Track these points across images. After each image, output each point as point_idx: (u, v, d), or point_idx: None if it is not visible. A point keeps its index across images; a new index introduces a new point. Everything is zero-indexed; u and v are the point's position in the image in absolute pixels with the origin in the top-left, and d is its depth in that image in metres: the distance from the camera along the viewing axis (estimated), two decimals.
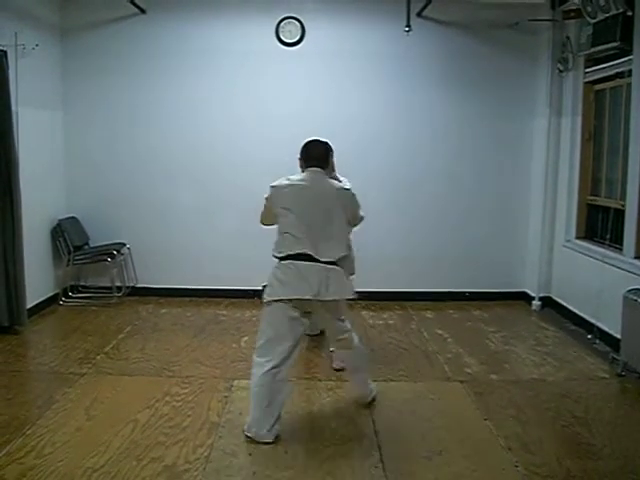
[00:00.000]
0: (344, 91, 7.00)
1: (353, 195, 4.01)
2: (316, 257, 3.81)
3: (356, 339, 4.21)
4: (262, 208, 4.10)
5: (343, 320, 4.10)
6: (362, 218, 4.24)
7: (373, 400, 4.39)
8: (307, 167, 4.00)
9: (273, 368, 3.78)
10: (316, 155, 4.02)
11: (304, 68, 6.97)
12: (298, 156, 4.07)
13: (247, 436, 3.83)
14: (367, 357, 4.54)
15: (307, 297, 3.78)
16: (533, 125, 7.04)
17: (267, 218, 4.12)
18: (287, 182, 3.91)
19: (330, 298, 3.82)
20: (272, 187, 3.96)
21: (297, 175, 3.99)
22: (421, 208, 7.11)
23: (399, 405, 4.41)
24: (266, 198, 4.01)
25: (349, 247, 4.80)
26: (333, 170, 4.48)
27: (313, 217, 3.85)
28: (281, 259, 3.92)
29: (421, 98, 7.02)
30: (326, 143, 4.10)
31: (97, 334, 5.86)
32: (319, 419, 4.16)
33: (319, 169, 3.98)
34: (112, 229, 7.10)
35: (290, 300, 3.82)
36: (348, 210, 3.97)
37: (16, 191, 5.68)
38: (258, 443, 3.77)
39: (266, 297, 3.92)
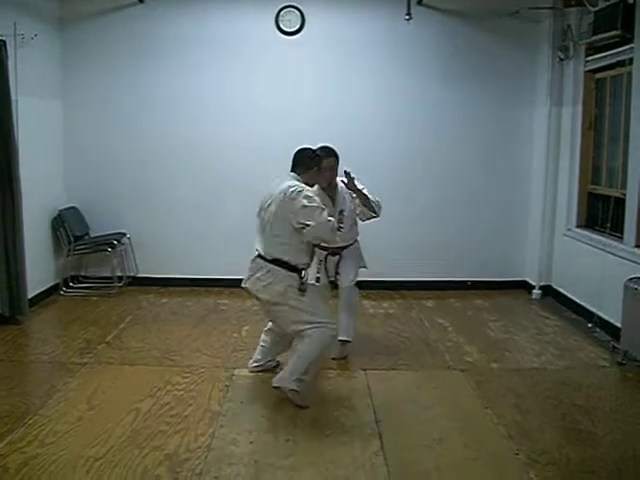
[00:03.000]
0: (345, 80, 6.99)
1: (296, 193, 4.07)
2: (263, 255, 4.22)
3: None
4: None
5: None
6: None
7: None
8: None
9: None
10: (295, 159, 4.36)
11: (304, 57, 6.95)
12: (298, 147, 4.22)
13: None
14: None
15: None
16: (534, 114, 7.03)
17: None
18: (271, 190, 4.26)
19: (258, 294, 4.25)
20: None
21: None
22: (422, 197, 7.11)
23: (400, 394, 4.42)
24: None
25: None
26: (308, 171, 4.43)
27: (267, 222, 4.19)
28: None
29: (421, 86, 7.01)
30: (301, 150, 4.36)
31: (98, 324, 5.87)
32: (320, 408, 4.16)
33: (292, 173, 4.30)
34: (112, 219, 7.09)
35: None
36: (288, 210, 4.08)
37: (16, 181, 5.67)
38: (259, 432, 3.79)
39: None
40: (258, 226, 4.32)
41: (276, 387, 4.21)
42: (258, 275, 4.21)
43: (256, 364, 4.73)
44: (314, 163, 4.35)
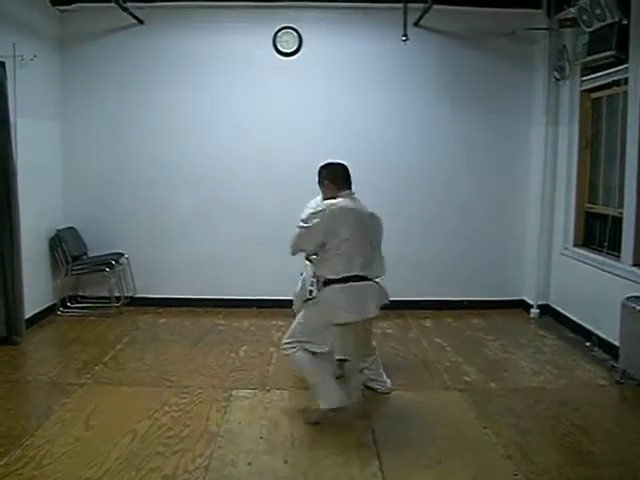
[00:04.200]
0: (341, 100, 7.02)
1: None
2: (368, 276, 4.19)
3: None
4: (298, 233, 4.17)
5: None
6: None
7: None
8: (342, 189, 4.25)
9: None
10: (347, 176, 4.31)
11: (301, 78, 6.98)
12: (323, 179, 4.28)
13: None
14: None
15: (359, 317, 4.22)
16: (530, 133, 7.06)
17: (307, 243, 4.21)
18: (335, 204, 4.12)
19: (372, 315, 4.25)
20: (320, 212, 4.09)
21: (340, 199, 4.18)
22: (419, 217, 7.11)
23: (398, 414, 4.40)
24: (312, 224, 4.08)
25: None
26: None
27: (364, 239, 4.16)
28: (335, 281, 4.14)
29: (418, 106, 7.04)
30: (346, 170, 4.34)
31: (95, 344, 5.85)
32: (318, 428, 4.14)
33: (352, 191, 4.28)
34: (110, 239, 7.09)
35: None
36: (381, 233, 4.37)
37: (14, 201, 5.68)
38: (257, 453, 3.77)
39: None
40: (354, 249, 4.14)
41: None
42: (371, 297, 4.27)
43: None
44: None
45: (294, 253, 4.31)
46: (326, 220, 4.04)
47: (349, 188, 4.27)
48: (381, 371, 4.78)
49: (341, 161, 4.34)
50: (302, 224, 4.12)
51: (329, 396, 4.15)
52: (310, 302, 4.32)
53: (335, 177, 4.26)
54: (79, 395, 4.64)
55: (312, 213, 4.12)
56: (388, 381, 4.77)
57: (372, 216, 4.26)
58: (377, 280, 4.27)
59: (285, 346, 4.19)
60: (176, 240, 7.14)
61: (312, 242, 4.13)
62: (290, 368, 4.85)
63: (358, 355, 4.72)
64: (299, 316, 4.28)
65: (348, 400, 4.30)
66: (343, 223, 4.06)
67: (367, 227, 4.19)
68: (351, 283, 4.08)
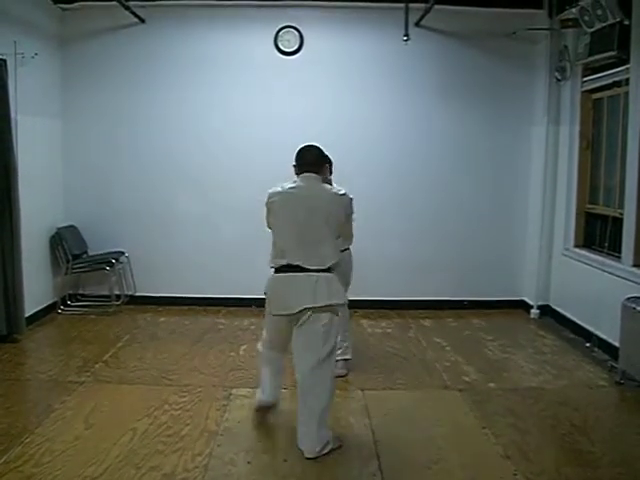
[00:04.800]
0: (342, 100, 7.02)
1: (350, 200, 3.93)
2: (305, 267, 3.73)
3: None
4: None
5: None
6: (352, 236, 4.26)
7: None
8: (301, 173, 3.92)
9: None
10: (309, 160, 3.93)
11: (303, 77, 6.98)
12: (293, 163, 4.01)
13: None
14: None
15: (290, 312, 3.77)
16: (531, 134, 7.07)
17: (268, 223, 4.00)
18: (278, 190, 3.85)
19: (320, 304, 3.70)
20: (268, 195, 3.90)
21: (290, 182, 3.90)
22: (419, 216, 7.12)
23: (398, 414, 4.41)
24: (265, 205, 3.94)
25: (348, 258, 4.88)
26: (329, 176, 4.44)
27: (303, 224, 3.75)
28: (275, 271, 3.88)
29: (419, 106, 7.04)
30: (319, 148, 4.01)
31: (96, 343, 5.85)
32: None
33: (313, 174, 3.89)
34: (111, 238, 7.09)
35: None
36: (342, 216, 3.86)
37: (15, 199, 5.69)
38: (257, 452, 3.78)
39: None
40: (290, 235, 3.83)
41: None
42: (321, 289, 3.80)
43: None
44: (326, 162, 4.24)
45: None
46: (268, 202, 3.88)
47: (310, 171, 3.91)
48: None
49: (313, 143, 4.05)
50: None
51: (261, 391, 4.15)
52: None
53: (297, 159, 3.99)
54: (79, 393, 4.64)
55: None
56: None
57: (325, 199, 3.84)
58: (326, 272, 3.79)
59: None
60: (176, 239, 7.15)
61: (266, 222, 3.96)
62: (289, 367, 4.87)
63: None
64: None
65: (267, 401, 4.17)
66: (283, 208, 3.82)
67: (312, 212, 3.76)
68: (282, 274, 3.81)
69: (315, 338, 3.73)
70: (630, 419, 4.38)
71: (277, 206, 3.83)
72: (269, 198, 3.87)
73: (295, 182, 3.89)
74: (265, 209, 3.93)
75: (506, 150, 7.13)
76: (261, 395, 4.15)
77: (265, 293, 3.96)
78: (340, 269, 4.15)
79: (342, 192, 3.92)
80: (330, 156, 4.36)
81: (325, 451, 3.74)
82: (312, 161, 3.94)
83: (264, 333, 4.14)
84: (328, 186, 4.00)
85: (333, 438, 3.83)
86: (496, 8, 6.77)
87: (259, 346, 4.19)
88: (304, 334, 3.77)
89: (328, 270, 3.78)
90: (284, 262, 3.78)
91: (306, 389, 3.78)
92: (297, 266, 3.74)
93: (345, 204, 3.89)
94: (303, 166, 3.93)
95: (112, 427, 4.06)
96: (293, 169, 4.00)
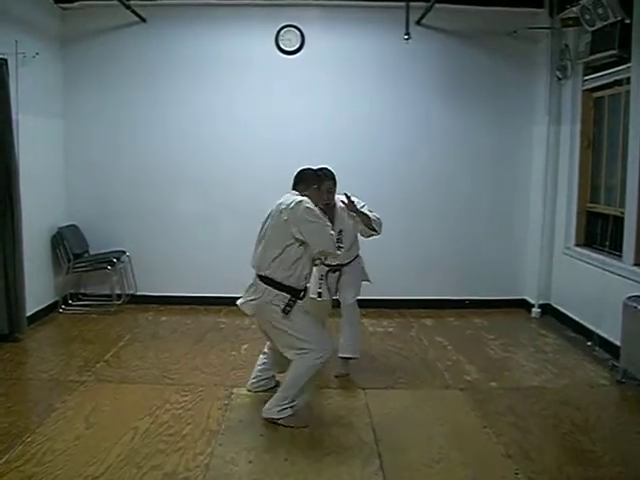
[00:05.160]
0: (343, 98, 7.02)
1: (304, 210, 4.04)
2: (259, 273, 4.21)
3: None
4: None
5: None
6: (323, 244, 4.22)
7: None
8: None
9: None
10: (296, 178, 4.37)
11: (304, 76, 6.98)
12: (300, 168, 4.32)
13: None
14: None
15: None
16: (532, 132, 7.06)
17: None
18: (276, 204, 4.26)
19: (247, 311, 4.31)
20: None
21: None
22: (420, 215, 7.12)
23: (399, 413, 4.41)
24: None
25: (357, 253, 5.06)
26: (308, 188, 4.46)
27: (262, 235, 4.25)
28: None
29: (420, 105, 7.04)
30: (302, 170, 4.39)
31: (97, 342, 5.85)
32: (319, 427, 4.14)
33: (293, 191, 4.30)
34: (112, 237, 7.10)
35: None
36: (293, 224, 4.04)
37: (16, 199, 5.69)
38: (258, 451, 3.78)
39: None
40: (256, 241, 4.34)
41: (265, 419, 4.18)
42: (249, 292, 4.29)
43: (254, 381, 4.70)
44: (314, 181, 4.35)
45: None
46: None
47: (293, 189, 4.33)
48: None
49: (307, 167, 4.43)
50: None
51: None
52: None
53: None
54: (80, 392, 4.64)
55: None
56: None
57: (281, 208, 4.12)
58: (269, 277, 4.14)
59: None
60: (177, 238, 7.15)
61: None
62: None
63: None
64: None
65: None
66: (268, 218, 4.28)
67: (269, 222, 4.23)
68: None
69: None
70: (631, 418, 4.37)
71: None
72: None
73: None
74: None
75: (507, 149, 7.13)
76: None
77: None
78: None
79: (298, 200, 4.12)
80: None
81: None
82: (296, 180, 4.39)
83: None
84: (291, 197, 4.20)
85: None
86: (497, 7, 6.77)
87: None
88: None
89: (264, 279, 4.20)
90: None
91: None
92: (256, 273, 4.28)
93: (295, 212, 4.07)
94: (298, 185, 4.36)
95: (113, 426, 4.06)
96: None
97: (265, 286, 4.13)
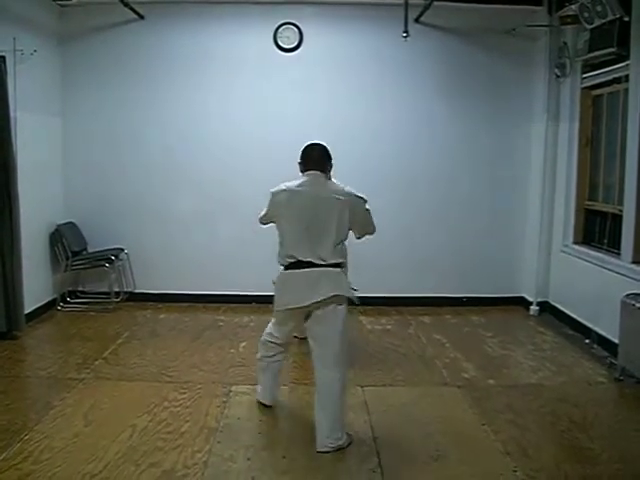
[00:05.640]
0: (342, 96, 7.02)
1: (358, 198, 3.91)
2: (314, 262, 3.78)
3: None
4: (263, 209, 4.07)
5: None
6: (374, 228, 4.13)
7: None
8: (306, 171, 3.95)
9: None
10: (315, 158, 3.96)
11: (302, 74, 6.98)
12: (298, 160, 4.03)
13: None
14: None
15: (296, 306, 3.84)
16: (531, 130, 7.06)
17: (265, 220, 4.10)
18: (283, 188, 3.90)
19: (320, 298, 3.75)
20: (270, 193, 3.97)
21: (295, 180, 3.93)
22: (418, 213, 7.12)
23: (397, 410, 4.41)
24: (267, 208, 4.03)
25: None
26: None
27: (309, 222, 3.79)
28: (284, 268, 3.92)
29: (418, 103, 7.04)
30: (325, 146, 4.03)
31: (95, 339, 5.85)
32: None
33: (318, 172, 3.91)
34: (110, 235, 7.09)
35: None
36: (351, 213, 3.85)
37: (14, 196, 5.68)
38: (256, 448, 3.78)
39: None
40: (296, 233, 3.86)
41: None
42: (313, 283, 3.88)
43: None
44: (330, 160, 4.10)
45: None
46: (270, 203, 3.97)
47: (316, 169, 3.94)
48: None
49: (319, 141, 4.09)
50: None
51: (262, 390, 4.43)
52: None
53: (303, 157, 4.03)
54: (79, 390, 4.64)
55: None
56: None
57: (332, 197, 3.83)
58: (332, 267, 3.82)
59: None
60: (176, 235, 7.15)
61: (265, 218, 4.08)
62: (289, 363, 4.94)
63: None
64: None
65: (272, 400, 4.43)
66: (288, 205, 3.86)
67: (318, 210, 3.80)
68: (294, 270, 3.84)
69: (329, 330, 3.82)
70: (629, 415, 4.38)
71: (284, 204, 3.87)
72: (274, 195, 3.93)
73: (301, 180, 3.92)
74: (267, 206, 3.99)
75: (505, 147, 7.13)
76: (263, 393, 4.42)
77: (274, 283, 4.04)
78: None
79: (347, 189, 3.90)
80: (330, 152, 4.36)
81: (339, 444, 3.79)
82: (317, 159, 3.97)
83: (269, 330, 4.27)
84: (334, 184, 3.97)
85: (347, 437, 3.87)
86: (496, 5, 6.77)
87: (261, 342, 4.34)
88: (317, 327, 3.86)
89: (335, 265, 3.82)
90: (293, 259, 3.83)
91: (321, 381, 3.86)
92: (307, 262, 3.79)
93: (351, 202, 3.86)
94: (309, 164, 3.96)
95: (112, 424, 4.06)
96: (298, 166, 4.03)
97: (336, 270, 3.89)
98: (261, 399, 4.42)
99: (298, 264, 3.81)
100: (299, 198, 3.84)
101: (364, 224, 4.03)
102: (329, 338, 3.81)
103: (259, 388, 4.46)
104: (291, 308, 3.87)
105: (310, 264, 3.78)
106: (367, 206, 3.96)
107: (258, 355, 4.38)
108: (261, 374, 4.41)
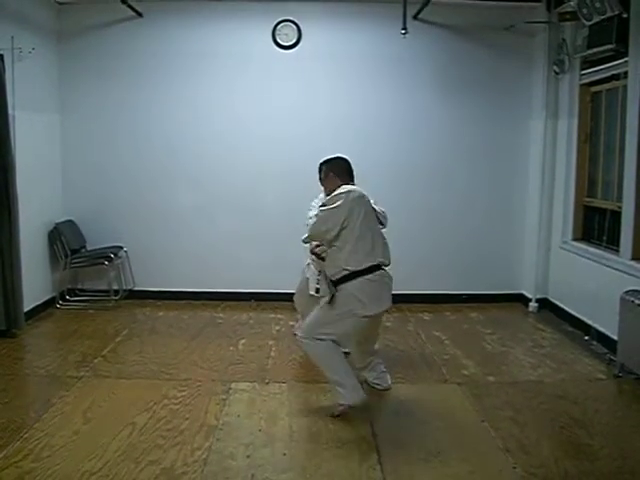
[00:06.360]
0: (341, 94, 7.01)
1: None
2: (384, 264, 4.20)
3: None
4: (322, 216, 4.14)
5: None
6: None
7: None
8: (349, 182, 4.31)
9: None
10: (351, 170, 4.41)
11: (301, 71, 6.97)
12: (327, 172, 4.31)
13: None
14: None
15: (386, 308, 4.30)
16: (529, 127, 7.06)
17: (331, 225, 4.08)
18: (357, 191, 4.14)
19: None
20: (343, 194, 4.08)
21: (351, 187, 4.20)
22: (417, 210, 7.11)
23: (397, 407, 4.42)
24: (337, 204, 4.05)
25: None
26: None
27: (374, 226, 4.22)
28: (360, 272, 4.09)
29: (417, 100, 7.03)
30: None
31: (94, 337, 5.85)
32: (317, 421, 4.14)
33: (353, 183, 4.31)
34: (109, 232, 7.09)
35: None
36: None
37: (13, 195, 5.67)
38: (256, 445, 3.78)
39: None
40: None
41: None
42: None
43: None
44: None
45: (309, 240, 4.44)
46: (349, 201, 4.03)
47: (352, 181, 4.32)
48: (383, 370, 4.76)
49: (341, 155, 4.35)
50: (324, 208, 4.12)
51: (350, 392, 4.17)
52: (326, 298, 4.21)
53: (340, 171, 4.33)
54: (78, 388, 4.64)
55: (334, 196, 4.10)
56: (389, 378, 4.76)
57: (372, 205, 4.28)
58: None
59: (302, 340, 4.22)
60: (175, 233, 7.15)
61: (336, 224, 4.02)
62: (289, 361, 4.92)
63: (363, 351, 4.68)
64: (316, 313, 4.25)
65: (363, 396, 4.26)
66: (362, 206, 4.09)
67: (375, 215, 4.25)
68: (373, 273, 4.10)
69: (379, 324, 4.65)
70: (628, 412, 4.38)
71: (357, 208, 4.07)
72: (349, 199, 4.06)
73: (355, 186, 4.23)
74: (344, 209, 4.04)
75: (504, 143, 7.13)
76: (352, 394, 4.19)
77: (353, 295, 4.08)
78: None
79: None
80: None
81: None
82: (352, 174, 4.42)
83: (329, 333, 4.12)
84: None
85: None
86: (494, 1, 6.75)
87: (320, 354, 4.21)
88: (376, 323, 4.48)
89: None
90: (371, 263, 4.10)
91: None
92: (379, 265, 4.15)
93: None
94: (350, 175, 4.38)
95: (111, 422, 4.06)
96: (330, 176, 4.37)
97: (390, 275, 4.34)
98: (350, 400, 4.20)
99: (374, 268, 4.11)
100: (365, 200, 4.15)
101: None
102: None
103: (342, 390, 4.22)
104: (377, 313, 4.23)
105: (380, 267, 4.17)
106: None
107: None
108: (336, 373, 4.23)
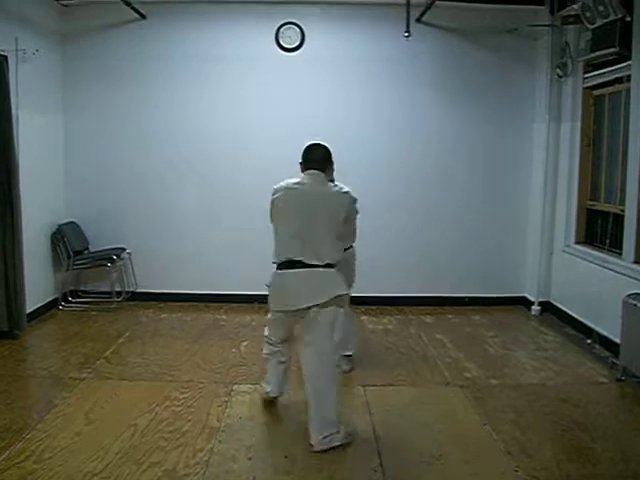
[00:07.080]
0: (344, 95, 7.02)
1: (352, 200, 3.97)
2: (307, 262, 3.78)
3: None
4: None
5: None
6: (354, 235, 4.37)
7: None
8: (306, 170, 3.96)
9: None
10: (315, 158, 3.98)
11: (304, 73, 6.97)
12: (299, 160, 4.03)
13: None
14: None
15: (290, 309, 3.92)
16: (532, 130, 7.05)
17: (271, 218, 4.05)
18: (283, 185, 3.93)
19: (322, 300, 3.76)
20: (273, 190, 3.97)
21: (295, 178, 3.95)
22: (420, 213, 7.11)
23: (399, 410, 4.41)
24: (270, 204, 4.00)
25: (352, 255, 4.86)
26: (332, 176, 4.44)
27: (306, 221, 3.79)
28: (277, 267, 3.95)
29: (420, 102, 7.03)
30: (326, 147, 4.05)
31: (97, 339, 5.86)
32: None
33: (318, 172, 3.93)
34: (112, 234, 7.10)
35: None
36: (343, 214, 3.84)
37: (16, 196, 5.68)
38: (258, 448, 3.78)
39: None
40: (291, 231, 3.87)
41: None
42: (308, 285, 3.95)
43: None
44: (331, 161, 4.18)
45: None
46: (272, 200, 3.95)
47: (316, 168, 3.94)
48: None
49: (321, 142, 4.08)
50: None
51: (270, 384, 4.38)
52: None
53: (304, 156, 4.03)
54: (80, 389, 4.65)
55: None
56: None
57: (329, 197, 3.90)
58: (327, 267, 3.81)
59: None
60: (178, 235, 7.15)
61: (271, 216, 4.00)
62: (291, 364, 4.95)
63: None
64: None
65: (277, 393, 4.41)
66: (286, 203, 3.89)
67: (315, 209, 3.80)
68: (284, 270, 3.87)
69: (320, 332, 3.80)
70: (631, 416, 4.38)
71: (281, 201, 3.89)
72: (274, 193, 3.94)
73: (300, 179, 3.94)
74: (270, 204, 3.98)
75: (507, 147, 7.12)
76: (266, 387, 4.42)
77: (267, 287, 4.03)
78: (343, 268, 4.08)
79: (345, 191, 3.98)
80: (333, 151, 4.36)
81: (332, 444, 3.78)
82: (318, 159, 3.99)
83: (266, 328, 4.35)
84: (332, 184, 4.04)
85: (344, 434, 3.87)
86: (498, 4, 6.76)
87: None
88: (309, 330, 3.85)
89: (329, 266, 3.81)
90: (285, 258, 3.85)
91: (312, 383, 3.91)
92: (298, 262, 3.79)
93: (345, 203, 3.91)
94: (309, 163, 3.97)
95: (113, 423, 4.07)
96: (299, 166, 4.04)
97: (331, 270, 3.88)
98: (264, 393, 4.42)
99: (292, 263, 3.82)
100: (296, 196, 3.87)
101: (348, 230, 4.08)
102: (321, 340, 3.83)
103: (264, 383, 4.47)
104: (286, 310, 3.96)
105: (303, 264, 3.79)
106: (357, 214, 4.10)
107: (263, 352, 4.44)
108: (267, 369, 4.42)
